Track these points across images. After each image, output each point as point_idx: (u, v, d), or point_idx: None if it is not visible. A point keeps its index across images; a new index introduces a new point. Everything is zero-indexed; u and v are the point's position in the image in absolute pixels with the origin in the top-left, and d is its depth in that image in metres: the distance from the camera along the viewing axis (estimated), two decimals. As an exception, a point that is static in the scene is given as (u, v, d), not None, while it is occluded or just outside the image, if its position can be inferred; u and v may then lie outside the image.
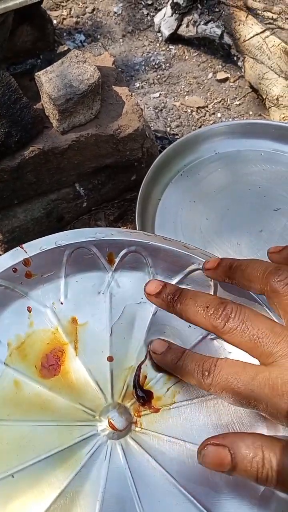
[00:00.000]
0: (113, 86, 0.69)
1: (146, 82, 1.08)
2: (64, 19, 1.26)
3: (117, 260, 0.45)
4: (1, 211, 0.69)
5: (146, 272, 0.45)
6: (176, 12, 1.12)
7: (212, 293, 0.44)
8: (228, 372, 0.32)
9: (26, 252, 0.42)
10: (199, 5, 1.09)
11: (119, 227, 0.83)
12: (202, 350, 0.41)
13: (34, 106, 0.61)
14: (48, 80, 0.60)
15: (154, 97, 1.04)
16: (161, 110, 1.02)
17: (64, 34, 1.23)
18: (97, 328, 0.42)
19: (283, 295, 0.33)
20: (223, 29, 1.06)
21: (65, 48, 0.71)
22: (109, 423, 0.36)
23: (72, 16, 1.26)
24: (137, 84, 1.07)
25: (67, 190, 0.72)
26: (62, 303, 0.43)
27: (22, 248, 0.42)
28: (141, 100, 1.02)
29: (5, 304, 0.41)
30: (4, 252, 0.75)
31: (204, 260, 0.44)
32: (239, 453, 0.30)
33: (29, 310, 0.42)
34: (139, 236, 0.45)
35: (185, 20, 1.12)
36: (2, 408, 0.36)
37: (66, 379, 0.39)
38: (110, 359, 0.40)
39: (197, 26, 1.11)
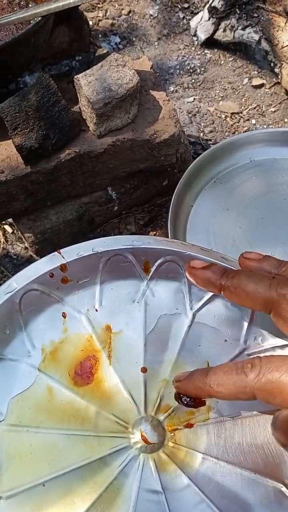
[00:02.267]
0: (150, 91, 0.68)
1: (181, 86, 1.07)
2: (99, 20, 1.26)
3: (153, 268, 0.44)
4: (34, 213, 0.69)
5: (182, 282, 0.44)
6: (214, 16, 1.10)
7: (251, 310, 0.42)
8: (278, 361, 0.27)
9: (63, 258, 0.42)
10: (237, 10, 1.08)
11: (149, 232, 0.82)
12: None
13: (72, 109, 0.61)
14: (87, 83, 0.60)
15: (188, 102, 1.04)
16: (195, 115, 1.01)
17: (100, 35, 1.23)
18: (131, 337, 0.41)
19: None
20: (261, 34, 1.05)
21: (104, 51, 0.71)
22: (142, 436, 0.36)
23: (107, 18, 1.26)
24: (172, 88, 1.06)
25: (100, 194, 0.72)
26: (96, 310, 0.42)
27: (60, 253, 0.42)
28: (175, 104, 1.01)
29: (41, 309, 0.41)
30: (35, 253, 0.76)
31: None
32: None
33: (64, 316, 0.41)
34: (177, 246, 0.44)
35: (222, 24, 1.11)
36: (35, 415, 0.36)
37: (99, 388, 0.38)
38: (144, 370, 0.39)
39: (234, 31, 1.09)
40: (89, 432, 0.36)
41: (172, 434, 0.37)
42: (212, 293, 0.43)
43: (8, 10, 0.73)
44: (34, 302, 0.40)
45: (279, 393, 0.27)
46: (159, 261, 0.44)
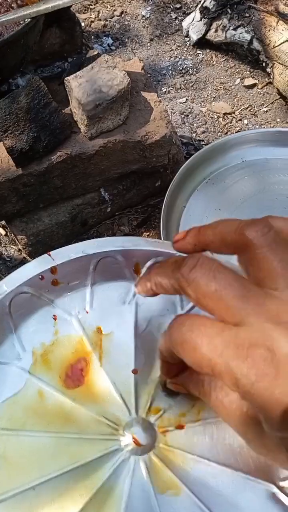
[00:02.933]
0: (141, 92, 0.68)
1: (173, 87, 1.07)
2: (92, 22, 1.26)
3: (143, 270, 0.44)
4: (26, 215, 0.69)
5: (173, 283, 0.44)
6: (205, 16, 1.11)
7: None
8: (193, 323, 0.28)
9: (53, 260, 0.42)
10: (228, 10, 1.08)
11: (142, 232, 0.82)
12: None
13: (63, 111, 0.61)
14: (77, 85, 0.60)
15: (181, 102, 1.04)
16: (187, 115, 1.01)
17: (92, 37, 1.23)
18: (122, 339, 0.41)
19: (258, 247, 0.29)
20: (253, 34, 1.05)
21: (95, 53, 0.71)
22: (133, 438, 0.36)
23: (100, 19, 1.26)
24: (164, 89, 1.06)
25: (92, 195, 0.72)
26: (87, 312, 0.42)
27: (50, 255, 0.42)
28: (167, 105, 1.02)
29: (31, 311, 0.41)
30: (28, 255, 0.75)
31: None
32: None
33: (55, 318, 0.41)
34: (167, 247, 0.44)
35: (214, 24, 1.11)
36: (26, 418, 0.36)
37: (90, 390, 0.38)
38: (134, 371, 0.39)
39: (226, 31, 1.09)
40: (80, 435, 0.36)
41: (163, 435, 0.36)
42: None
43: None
44: (24, 304, 0.40)
45: (183, 353, 0.28)
46: (149, 263, 0.44)
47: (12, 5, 0.72)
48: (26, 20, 0.59)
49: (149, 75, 1.05)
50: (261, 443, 0.28)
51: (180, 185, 0.73)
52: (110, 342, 0.40)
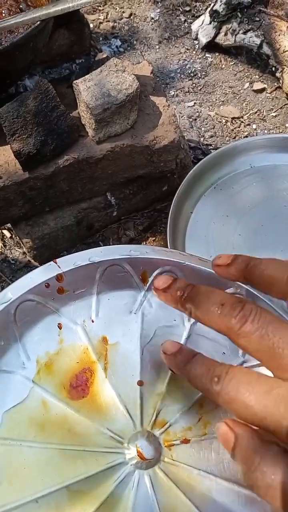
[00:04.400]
0: (150, 96, 0.68)
1: (181, 91, 1.06)
2: (100, 23, 1.26)
3: (150, 279, 0.44)
4: (32, 218, 0.68)
5: (180, 293, 0.43)
6: (215, 20, 1.10)
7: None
8: (240, 381, 0.28)
9: (59, 268, 0.41)
10: (239, 14, 1.07)
11: (148, 237, 0.82)
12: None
13: (71, 114, 0.61)
14: (86, 89, 0.60)
15: (189, 106, 1.03)
16: (195, 119, 1.01)
17: (100, 38, 1.23)
18: (127, 350, 0.40)
19: None
20: (263, 39, 1.04)
21: (104, 56, 0.70)
22: (138, 451, 0.35)
23: (108, 21, 1.26)
24: (172, 92, 1.06)
25: (99, 199, 0.72)
26: (93, 321, 0.42)
27: (56, 263, 0.42)
28: (175, 109, 1.01)
29: (36, 319, 0.40)
30: (33, 258, 0.75)
31: (241, 284, 0.42)
32: (241, 444, 0.28)
33: (60, 326, 0.41)
34: (175, 256, 0.44)
35: (224, 28, 1.10)
36: (29, 429, 0.35)
37: (94, 402, 0.37)
38: (140, 383, 0.39)
39: (235, 35, 1.09)
40: (84, 447, 0.35)
41: (169, 449, 0.36)
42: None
43: (7, 14, 0.72)
44: (30, 312, 0.40)
45: (234, 412, 0.29)
46: (156, 272, 0.43)
47: (21, 6, 0.72)
48: (36, 22, 0.59)
49: (157, 78, 1.05)
50: None
51: (188, 190, 0.73)
52: (115, 352, 0.40)
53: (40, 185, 0.61)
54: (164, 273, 0.44)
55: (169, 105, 0.68)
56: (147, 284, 0.43)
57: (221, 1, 1.08)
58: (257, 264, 0.33)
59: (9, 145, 0.59)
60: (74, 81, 0.60)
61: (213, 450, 0.36)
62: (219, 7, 1.09)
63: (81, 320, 0.41)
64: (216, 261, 0.35)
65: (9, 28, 0.67)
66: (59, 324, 0.41)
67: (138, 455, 0.34)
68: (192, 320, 0.42)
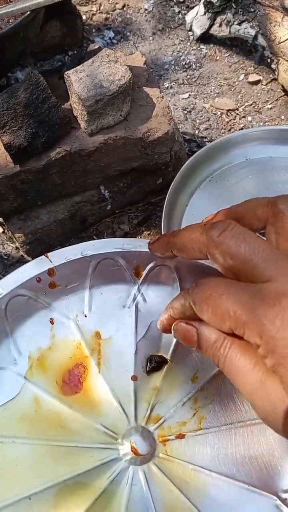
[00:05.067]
0: (143, 87, 0.67)
1: (176, 82, 1.05)
2: (93, 14, 1.24)
3: (144, 273, 0.43)
4: (24, 212, 0.67)
5: (174, 287, 0.43)
6: (209, 11, 1.09)
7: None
8: (218, 282, 0.29)
9: (51, 262, 0.41)
10: (233, 5, 1.06)
11: (143, 231, 0.81)
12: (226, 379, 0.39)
13: (62, 106, 0.60)
14: (77, 80, 0.59)
15: (183, 98, 1.02)
16: (190, 111, 1.00)
17: (93, 30, 1.21)
18: (121, 344, 0.40)
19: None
20: (258, 30, 1.03)
21: (96, 47, 0.69)
22: (132, 447, 0.35)
23: (101, 12, 1.24)
24: (166, 84, 1.04)
25: (92, 193, 0.71)
26: (86, 316, 0.41)
27: (47, 257, 0.41)
28: (169, 101, 1.00)
29: (28, 314, 0.40)
30: (26, 253, 0.74)
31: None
32: (204, 335, 0.30)
33: (52, 321, 0.40)
34: (169, 249, 0.43)
35: (218, 19, 1.09)
36: (21, 426, 0.35)
37: (88, 397, 0.37)
38: (134, 378, 0.38)
39: (230, 26, 1.08)
40: (77, 443, 0.35)
41: (163, 445, 0.35)
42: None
43: (-2, 4, 0.71)
44: (21, 307, 0.39)
45: (207, 309, 0.29)
46: (150, 265, 0.43)
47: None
48: (26, 12, 0.58)
49: (151, 70, 1.03)
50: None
51: (182, 183, 0.72)
52: (109, 347, 0.39)
53: (31, 178, 0.60)
54: (157, 267, 0.43)
55: (162, 96, 0.67)
56: (141, 278, 0.43)
57: (215, -8, 1.06)
58: (238, 205, 0.34)
59: None
60: (66, 72, 0.59)
61: (208, 445, 0.36)
62: (213, -3, 1.07)
63: (73, 315, 0.40)
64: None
65: (-1, 18, 0.66)
66: (51, 319, 0.40)
67: (132, 450, 0.34)
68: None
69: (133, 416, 0.36)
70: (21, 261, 0.75)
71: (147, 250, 0.43)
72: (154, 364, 0.38)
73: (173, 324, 0.31)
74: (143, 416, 0.36)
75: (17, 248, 0.76)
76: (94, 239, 0.82)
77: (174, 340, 0.40)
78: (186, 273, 0.42)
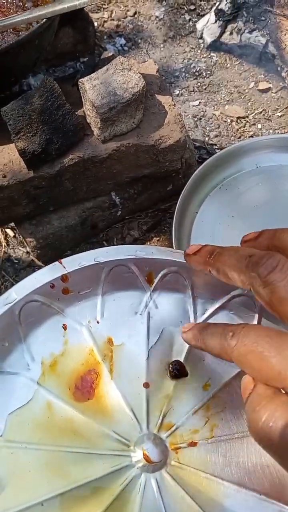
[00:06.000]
0: (156, 95, 0.67)
1: (186, 90, 1.06)
2: (105, 21, 1.25)
3: (156, 280, 0.43)
4: (36, 217, 0.68)
5: (186, 294, 0.43)
6: (220, 19, 1.09)
7: (256, 323, 0.41)
8: (258, 334, 0.27)
9: (64, 268, 0.41)
10: (244, 13, 1.07)
11: (153, 237, 0.81)
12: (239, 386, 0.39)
13: (76, 113, 0.60)
14: (91, 87, 0.59)
15: (194, 105, 1.02)
16: (200, 119, 1.00)
17: (105, 37, 1.22)
18: (133, 351, 0.40)
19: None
20: (268, 38, 1.04)
21: (110, 54, 0.70)
22: (144, 455, 0.35)
23: (113, 19, 1.25)
24: (177, 91, 1.05)
25: (103, 199, 0.71)
26: (98, 322, 0.41)
27: (61, 263, 0.41)
28: (180, 108, 1.00)
29: (41, 320, 0.40)
30: (36, 258, 0.74)
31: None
32: (257, 390, 0.27)
33: (65, 327, 0.40)
34: (181, 256, 0.43)
35: (229, 27, 1.09)
36: (34, 432, 0.35)
37: (100, 404, 0.37)
38: (146, 385, 0.38)
39: (241, 34, 1.08)
40: (90, 450, 0.35)
41: (175, 452, 0.35)
42: (216, 306, 0.42)
43: (12, 12, 0.72)
44: (34, 313, 0.39)
45: (249, 365, 0.27)
46: (162, 272, 0.43)
47: (26, 4, 0.72)
48: (41, 20, 0.59)
49: (163, 77, 1.04)
50: None
51: (193, 190, 0.72)
52: (121, 353, 0.39)
53: (44, 184, 0.60)
54: (169, 274, 0.43)
55: (174, 104, 0.67)
56: (153, 285, 0.43)
57: (226, 0, 1.07)
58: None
59: (13, 144, 0.58)
60: (80, 80, 0.60)
61: (220, 454, 0.36)
62: (224, 6, 1.08)
63: (86, 321, 0.41)
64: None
65: (14, 25, 0.67)
66: (64, 325, 0.40)
67: (144, 458, 0.34)
68: (199, 321, 0.42)
69: (145, 423, 0.36)
70: (31, 266, 0.76)
71: (160, 257, 0.43)
72: (176, 371, 0.38)
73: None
74: (155, 424, 0.36)
75: (27, 252, 0.76)
76: (104, 245, 0.83)
77: (186, 347, 0.40)
78: (199, 280, 0.43)
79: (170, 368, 0.38)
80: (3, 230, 0.78)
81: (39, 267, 0.78)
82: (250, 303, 0.41)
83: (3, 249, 0.78)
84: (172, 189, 0.78)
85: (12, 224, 0.73)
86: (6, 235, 0.78)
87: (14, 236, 0.78)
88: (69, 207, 0.68)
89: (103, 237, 0.80)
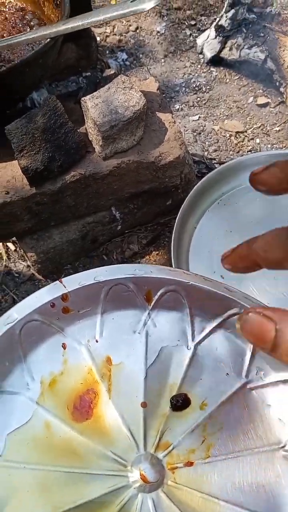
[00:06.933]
0: (156, 112, 0.69)
1: (186, 104, 1.07)
2: (107, 36, 1.27)
3: (155, 298, 0.44)
4: (37, 232, 0.69)
5: (184, 313, 0.43)
6: (220, 34, 1.11)
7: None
8: None
9: (65, 287, 0.42)
10: (244, 29, 1.09)
11: (152, 251, 0.82)
12: (239, 401, 0.39)
13: (78, 130, 0.61)
14: (94, 106, 0.60)
15: (193, 120, 1.04)
16: (200, 133, 1.01)
17: (107, 51, 1.24)
18: (131, 370, 0.41)
19: None
20: (267, 54, 1.05)
21: (112, 72, 0.71)
22: (141, 475, 0.35)
23: (115, 34, 1.27)
24: (177, 106, 1.06)
25: (103, 214, 0.72)
26: (97, 341, 0.42)
27: (61, 282, 0.42)
28: (180, 123, 1.02)
29: (41, 339, 0.40)
30: (37, 272, 0.75)
31: (246, 305, 0.42)
32: (286, 333, 0.23)
33: (64, 346, 0.41)
34: (179, 275, 0.44)
35: (229, 43, 1.11)
36: (33, 452, 0.36)
37: (98, 424, 0.38)
38: (143, 405, 0.39)
39: (240, 50, 1.10)
40: (87, 470, 0.35)
41: (172, 472, 0.36)
42: (214, 324, 0.43)
43: (17, 31, 0.73)
44: (35, 332, 0.40)
45: None
46: (161, 291, 0.43)
47: (32, 23, 0.73)
48: (46, 40, 0.60)
49: (164, 95, 1.05)
50: None
51: (192, 205, 0.73)
52: (119, 373, 0.40)
53: (46, 200, 0.61)
54: (168, 293, 0.44)
55: (174, 121, 0.68)
56: (151, 303, 0.44)
57: (226, 16, 1.09)
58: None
59: (16, 161, 0.59)
60: (82, 98, 0.61)
61: (216, 473, 0.36)
62: (224, 22, 1.10)
63: (85, 340, 0.41)
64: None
65: (19, 44, 0.68)
66: (63, 344, 0.41)
67: (141, 478, 0.35)
68: (197, 340, 0.42)
69: (143, 443, 0.37)
70: (32, 279, 0.77)
71: (158, 276, 0.44)
72: (180, 404, 0.38)
73: (244, 314, 0.25)
74: (152, 443, 0.37)
75: (28, 266, 0.77)
76: (103, 259, 0.84)
77: (184, 366, 0.41)
78: (197, 300, 0.43)
79: (173, 400, 0.38)
80: (4, 244, 0.79)
81: (39, 281, 0.79)
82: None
83: (4, 263, 0.79)
84: (172, 203, 0.79)
85: (13, 238, 0.74)
86: (7, 249, 0.79)
87: (15, 250, 0.79)
88: (70, 222, 0.69)
89: (103, 251, 0.81)
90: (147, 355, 0.41)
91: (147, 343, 0.42)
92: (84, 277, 0.43)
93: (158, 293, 0.43)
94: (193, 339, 0.42)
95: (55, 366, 0.39)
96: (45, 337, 0.40)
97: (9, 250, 0.79)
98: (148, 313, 0.44)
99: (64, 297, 0.41)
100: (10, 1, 0.79)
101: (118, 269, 0.44)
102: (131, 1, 0.59)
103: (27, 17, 0.76)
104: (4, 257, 0.78)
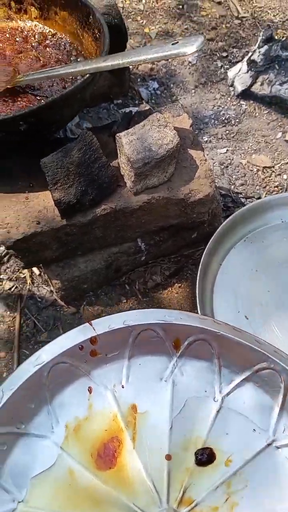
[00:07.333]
0: (188, 149, 0.69)
1: (214, 137, 1.08)
2: (139, 64, 1.29)
3: (183, 346, 0.44)
4: (63, 260, 0.69)
5: (213, 362, 0.43)
6: (252, 69, 1.12)
7: (281, 398, 0.41)
8: None
9: (94, 330, 0.42)
10: (276, 66, 1.10)
11: (174, 283, 0.82)
12: (265, 459, 0.39)
13: (111, 164, 0.62)
14: (128, 142, 0.61)
15: (221, 153, 1.04)
16: (227, 166, 1.02)
17: (138, 79, 1.26)
18: (156, 420, 0.40)
19: None
20: (299, 91, 1.06)
21: (146, 108, 0.72)
22: (163, 532, 0.34)
23: (147, 62, 1.29)
24: (205, 138, 1.07)
25: (129, 245, 0.72)
26: (123, 387, 0.42)
27: (91, 325, 0.42)
28: (207, 155, 1.02)
29: (67, 382, 0.41)
30: (60, 298, 0.76)
31: (275, 359, 0.42)
32: None
33: (90, 390, 0.41)
34: (209, 324, 0.44)
35: (260, 78, 1.12)
36: (55, 498, 0.35)
37: (121, 473, 0.37)
38: (168, 457, 0.38)
39: (272, 86, 1.11)
40: (109, 522, 0.35)
41: (194, 531, 0.35)
42: (242, 377, 0.42)
43: (56, 62, 0.75)
44: (62, 374, 0.40)
45: None
46: (190, 339, 0.43)
47: (71, 57, 0.75)
48: (85, 75, 0.61)
49: (196, 132, 1.06)
50: None
51: (218, 242, 0.73)
52: (144, 422, 0.40)
53: (76, 232, 0.62)
54: (197, 341, 0.44)
55: (206, 159, 0.69)
56: (179, 351, 0.43)
57: (259, 52, 1.10)
58: None
59: (48, 191, 0.60)
60: (117, 134, 0.62)
61: (239, 536, 0.35)
62: (257, 57, 1.11)
63: (111, 385, 0.41)
64: None
65: (58, 77, 0.70)
66: (89, 387, 0.41)
67: (163, 535, 0.34)
68: (224, 392, 0.42)
69: (165, 496, 0.36)
70: (54, 305, 0.77)
71: (188, 323, 0.44)
72: (205, 458, 0.38)
73: None
74: (175, 498, 0.36)
75: (51, 291, 0.77)
76: (125, 288, 0.84)
77: (211, 419, 0.40)
78: (226, 350, 0.43)
79: (198, 455, 0.38)
80: (29, 268, 0.79)
81: (61, 307, 0.79)
82: (276, 377, 0.41)
83: (28, 287, 0.79)
84: (197, 236, 0.79)
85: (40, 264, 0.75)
86: (31, 273, 0.80)
87: (39, 275, 0.80)
88: (95, 252, 0.70)
89: (126, 280, 0.81)
90: (173, 404, 0.41)
91: (173, 392, 0.42)
92: (113, 320, 0.43)
93: (187, 341, 0.43)
94: (220, 391, 0.42)
95: (80, 410, 0.39)
96: (72, 379, 0.41)
97: (33, 274, 0.80)
98: (176, 361, 0.43)
99: (92, 340, 0.41)
100: (50, 31, 0.81)
101: (147, 314, 0.44)
102: (172, 44, 0.60)
103: (66, 47, 0.78)
104: (28, 281, 0.79)
